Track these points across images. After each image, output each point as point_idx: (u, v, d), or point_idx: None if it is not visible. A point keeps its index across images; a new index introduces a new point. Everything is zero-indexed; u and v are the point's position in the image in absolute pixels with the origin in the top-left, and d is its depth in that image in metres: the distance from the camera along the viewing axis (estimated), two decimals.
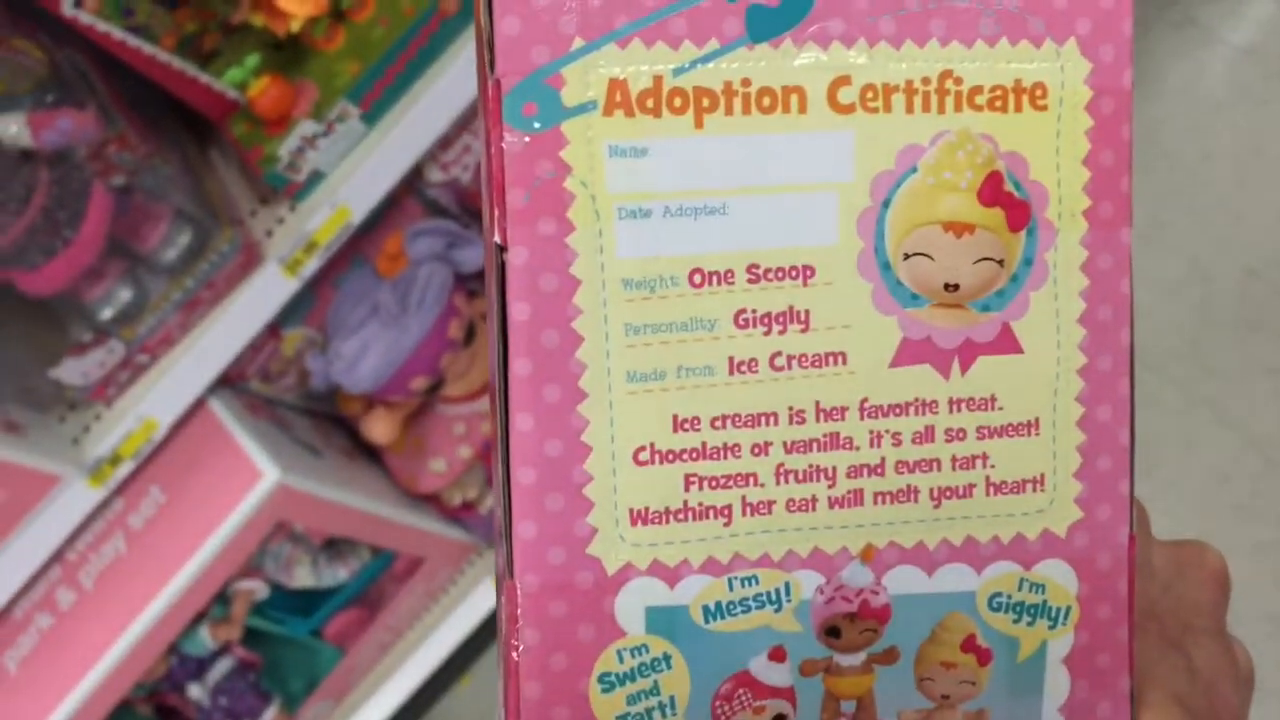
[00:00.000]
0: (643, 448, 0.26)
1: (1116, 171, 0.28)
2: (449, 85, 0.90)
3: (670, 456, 0.26)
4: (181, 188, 0.89)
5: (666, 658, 0.27)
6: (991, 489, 0.27)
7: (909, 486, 0.27)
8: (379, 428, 1.05)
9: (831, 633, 0.27)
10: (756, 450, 0.26)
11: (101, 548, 0.97)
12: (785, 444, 0.27)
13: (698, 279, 0.26)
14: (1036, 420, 0.27)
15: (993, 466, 0.27)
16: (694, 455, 0.26)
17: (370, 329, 0.98)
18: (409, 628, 1.26)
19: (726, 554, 0.27)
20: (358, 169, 0.91)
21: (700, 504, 0.26)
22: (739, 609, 0.27)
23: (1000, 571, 0.28)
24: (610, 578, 0.26)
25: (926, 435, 0.27)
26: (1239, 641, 0.31)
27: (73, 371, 0.89)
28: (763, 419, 0.26)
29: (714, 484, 0.26)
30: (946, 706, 0.28)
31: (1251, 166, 1.34)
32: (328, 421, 1.15)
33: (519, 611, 0.26)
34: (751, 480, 0.26)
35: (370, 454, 1.15)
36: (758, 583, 0.27)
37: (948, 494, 0.27)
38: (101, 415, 0.94)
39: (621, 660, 0.27)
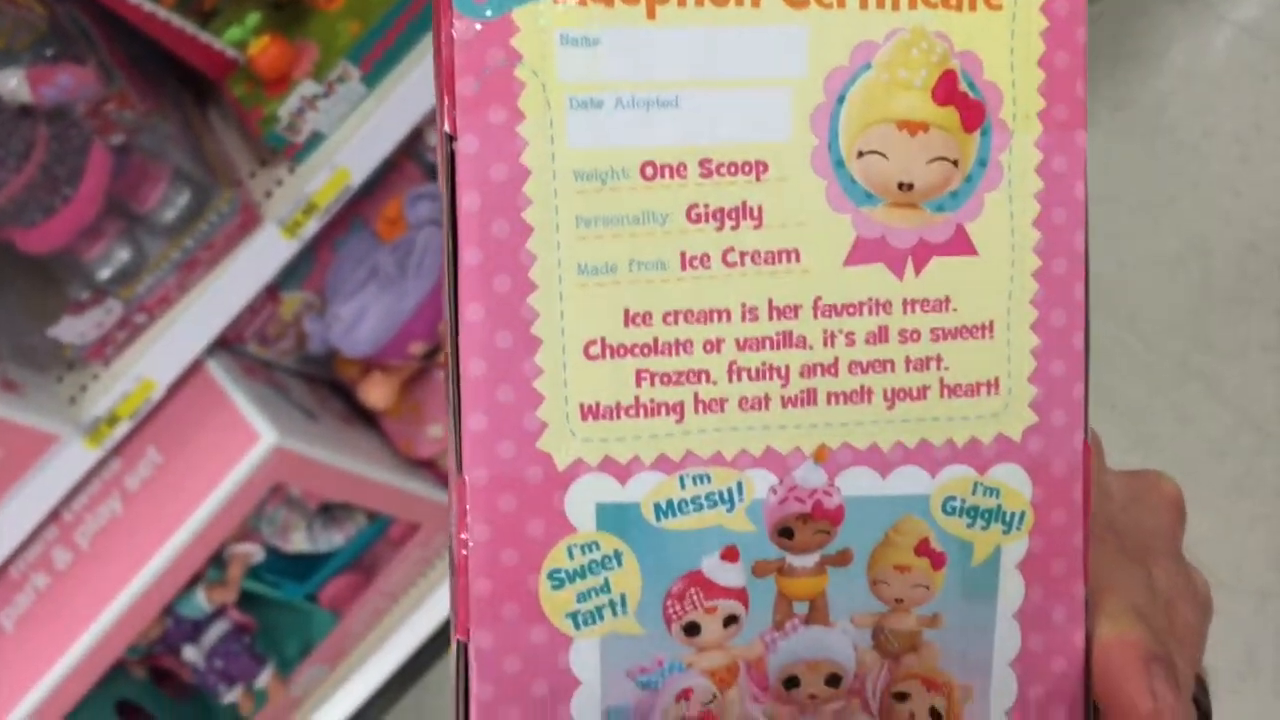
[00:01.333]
0: (593, 342, 0.26)
1: (1071, 74, 0.27)
2: None
3: (621, 351, 0.26)
4: (181, 147, 0.88)
5: (617, 555, 0.27)
6: (945, 391, 0.27)
7: (862, 387, 0.27)
8: (376, 392, 1.05)
9: (784, 533, 0.27)
10: (709, 347, 0.26)
11: (98, 508, 0.97)
12: (738, 341, 0.26)
13: (649, 172, 0.26)
14: (990, 323, 0.27)
15: (946, 369, 0.27)
16: (645, 351, 0.26)
17: (369, 292, 0.97)
18: (404, 593, 1.26)
19: (678, 451, 0.27)
20: (358, 131, 0.91)
21: (652, 400, 0.26)
22: (691, 507, 0.27)
23: (954, 475, 0.27)
24: (560, 473, 0.26)
25: (880, 336, 0.27)
26: (1197, 569, 0.31)
27: (70, 330, 0.89)
28: (715, 315, 0.26)
29: (666, 380, 0.26)
30: (900, 610, 0.28)
31: (1253, 143, 1.33)
32: (325, 386, 1.15)
33: (468, 506, 0.26)
34: (704, 377, 0.26)
35: (367, 419, 1.15)
36: (710, 481, 0.27)
37: (901, 395, 0.27)
38: (99, 375, 0.94)
39: (571, 557, 0.27)
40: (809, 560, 0.27)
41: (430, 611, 1.26)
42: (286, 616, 1.18)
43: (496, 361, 0.26)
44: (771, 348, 0.27)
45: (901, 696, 0.28)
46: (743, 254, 0.26)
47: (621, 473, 0.26)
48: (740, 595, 0.27)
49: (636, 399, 0.26)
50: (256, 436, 0.95)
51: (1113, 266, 1.31)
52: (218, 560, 1.05)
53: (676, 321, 0.26)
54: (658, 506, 0.27)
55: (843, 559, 0.27)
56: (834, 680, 0.28)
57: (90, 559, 0.97)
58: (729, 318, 0.26)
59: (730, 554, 0.27)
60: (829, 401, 0.27)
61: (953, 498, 0.27)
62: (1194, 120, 1.36)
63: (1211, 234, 1.31)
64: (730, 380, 0.27)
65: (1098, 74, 1.39)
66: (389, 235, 1.01)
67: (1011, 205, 0.27)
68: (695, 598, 0.27)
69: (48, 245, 0.84)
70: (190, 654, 1.10)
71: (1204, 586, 0.31)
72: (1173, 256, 1.31)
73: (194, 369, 0.96)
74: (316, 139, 0.91)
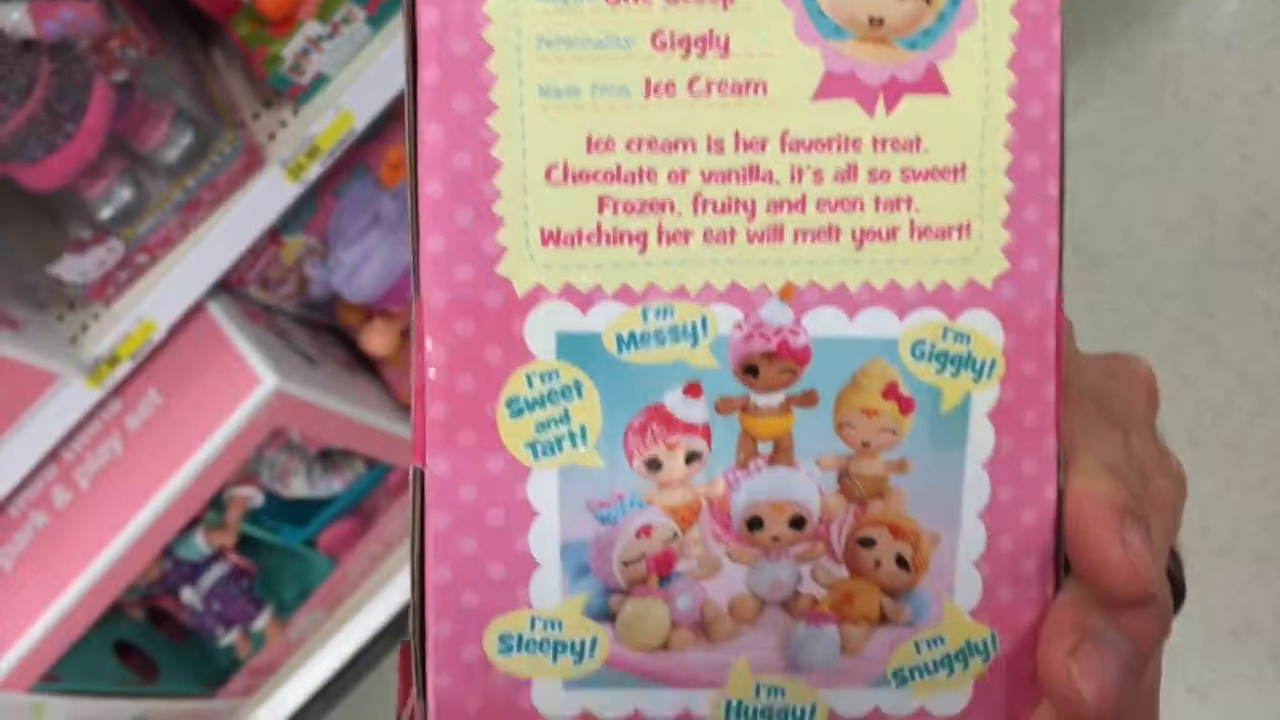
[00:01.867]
0: (555, 165, 0.26)
1: None
2: None
3: (584, 177, 0.26)
4: (184, 87, 0.88)
5: (577, 385, 0.26)
6: (916, 233, 0.27)
7: (830, 226, 0.26)
8: (377, 339, 1.05)
9: (749, 371, 0.27)
10: (673, 177, 0.26)
11: (98, 448, 0.97)
12: (703, 173, 0.26)
13: None
14: (963, 165, 0.27)
15: (917, 210, 0.27)
16: (608, 177, 0.26)
17: (371, 238, 0.97)
18: (401, 541, 1.26)
19: (641, 282, 0.26)
20: (362, 73, 0.90)
21: (614, 228, 0.26)
22: (653, 340, 0.26)
23: (924, 319, 0.27)
24: (520, 299, 0.26)
25: (849, 174, 0.26)
26: (1173, 452, 0.31)
27: (72, 269, 0.88)
28: (680, 145, 0.26)
29: (629, 208, 0.26)
30: (867, 454, 0.27)
31: (1261, 106, 1.33)
32: (326, 332, 1.14)
33: (425, 330, 0.26)
34: (668, 207, 0.26)
35: (368, 366, 1.15)
36: (673, 315, 0.26)
37: (870, 235, 0.27)
38: (100, 315, 0.94)
39: (531, 385, 0.26)
40: (774, 400, 0.27)
41: None
42: (285, 561, 1.19)
43: (455, 183, 0.25)
44: (738, 181, 0.26)
45: (867, 542, 0.28)
46: (709, 83, 0.26)
47: (583, 301, 0.26)
48: (703, 432, 0.27)
49: (599, 226, 0.26)
50: (257, 380, 0.94)
51: (1118, 229, 1.31)
52: (217, 503, 1.06)
53: (640, 149, 0.26)
54: (619, 338, 0.26)
55: (808, 400, 0.27)
56: (798, 523, 0.27)
57: (90, 499, 0.97)
58: (694, 148, 0.26)
59: (693, 389, 0.27)
60: (796, 239, 0.26)
61: (922, 342, 0.27)
62: (1202, 82, 1.35)
63: (1217, 197, 1.30)
64: (695, 212, 0.26)
65: (1108, 34, 1.38)
66: (392, 181, 1.00)
67: (985, 45, 0.26)
68: (657, 432, 0.26)
69: (49, 182, 0.84)
70: (188, 596, 1.11)
71: (1179, 466, 0.30)
72: (1178, 219, 1.30)
73: (195, 311, 0.96)
74: (321, 80, 0.91)
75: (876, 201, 0.26)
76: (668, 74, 0.26)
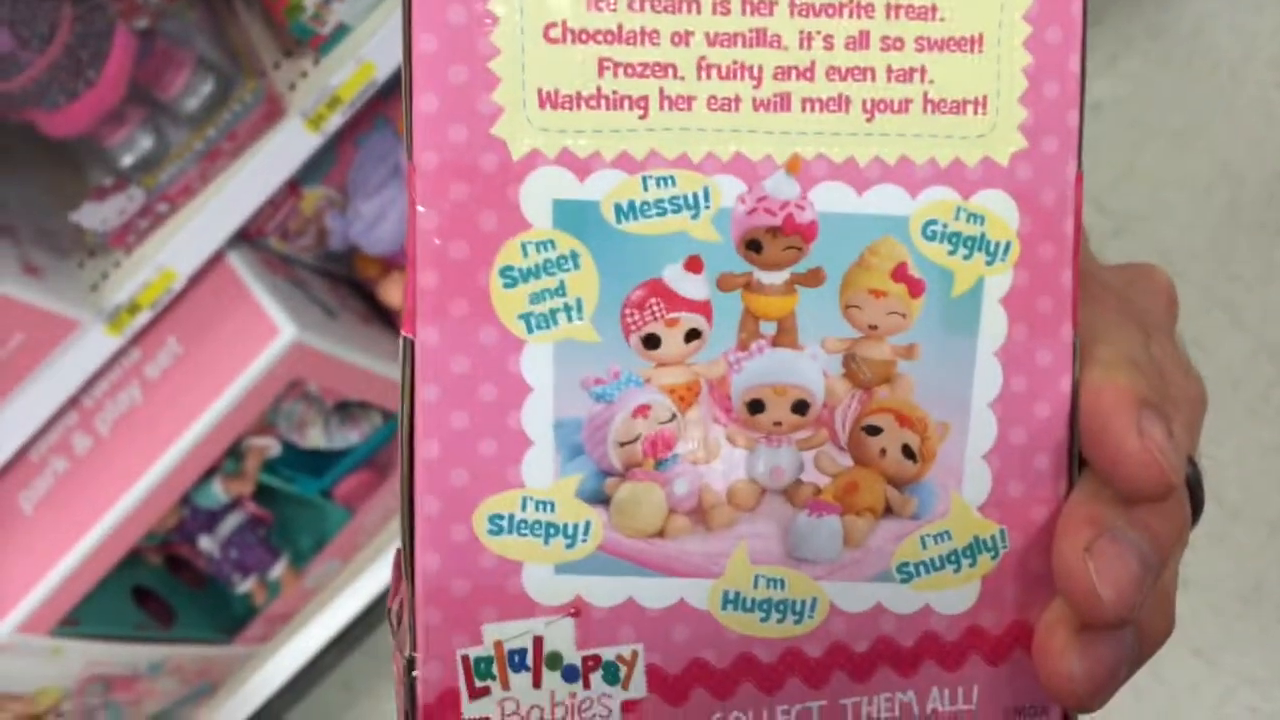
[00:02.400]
0: (554, 24, 0.25)
1: None
2: None
3: (583, 36, 0.25)
4: (205, 35, 0.87)
5: (574, 255, 0.25)
6: (929, 106, 0.25)
7: (840, 95, 0.25)
8: (396, 291, 1.05)
9: (752, 246, 0.25)
10: (677, 39, 0.25)
11: (118, 395, 0.98)
12: (708, 35, 0.25)
13: None
14: (980, 36, 0.25)
15: (931, 82, 0.25)
16: (609, 38, 0.25)
17: (391, 190, 0.97)
18: None
19: (642, 149, 0.25)
20: (384, 24, 0.89)
21: (614, 92, 0.25)
22: (654, 210, 0.25)
23: (936, 197, 0.26)
24: (516, 163, 0.25)
25: (860, 41, 0.25)
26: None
27: (92, 216, 0.88)
28: (684, 5, 0.25)
29: (630, 71, 0.25)
30: (874, 337, 0.26)
31: None
32: (345, 284, 1.15)
33: (417, 194, 0.25)
34: (671, 71, 0.25)
35: (386, 319, 1.15)
36: (674, 184, 0.25)
37: (881, 107, 0.25)
38: (120, 263, 0.94)
39: (526, 254, 0.25)
40: (778, 278, 0.26)
41: None
42: (301, 511, 1.20)
43: (448, 38, 0.24)
44: (744, 45, 0.25)
45: (873, 430, 0.27)
46: None
47: (580, 168, 0.25)
48: (704, 309, 0.26)
49: (598, 89, 0.25)
50: (276, 330, 0.95)
51: (1143, 190, 1.30)
52: (235, 452, 1.06)
53: (642, 9, 0.25)
54: (618, 207, 0.25)
55: (814, 278, 0.26)
56: (801, 407, 0.26)
57: (109, 445, 0.98)
58: (698, 8, 0.25)
59: (694, 264, 0.25)
60: (804, 108, 0.25)
61: (934, 221, 0.26)
62: (1231, 44, 1.33)
63: (1243, 161, 1.29)
64: (699, 77, 0.25)
65: None
66: None
67: None
68: (656, 308, 0.25)
69: (70, 129, 0.84)
70: (206, 543, 1.12)
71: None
72: (1203, 183, 1.29)
73: (215, 261, 0.96)
74: (342, 30, 0.90)
75: (889, 71, 0.25)
76: None
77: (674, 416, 0.26)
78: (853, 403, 0.26)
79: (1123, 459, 0.25)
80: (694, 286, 0.26)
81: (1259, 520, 1.20)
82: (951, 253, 0.26)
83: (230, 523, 1.12)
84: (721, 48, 0.25)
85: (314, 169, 1.00)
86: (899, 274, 0.26)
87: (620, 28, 0.25)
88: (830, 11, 0.25)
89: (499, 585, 0.26)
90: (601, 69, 0.25)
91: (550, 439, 0.26)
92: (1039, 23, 0.26)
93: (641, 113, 0.25)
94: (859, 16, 0.25)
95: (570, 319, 0.25)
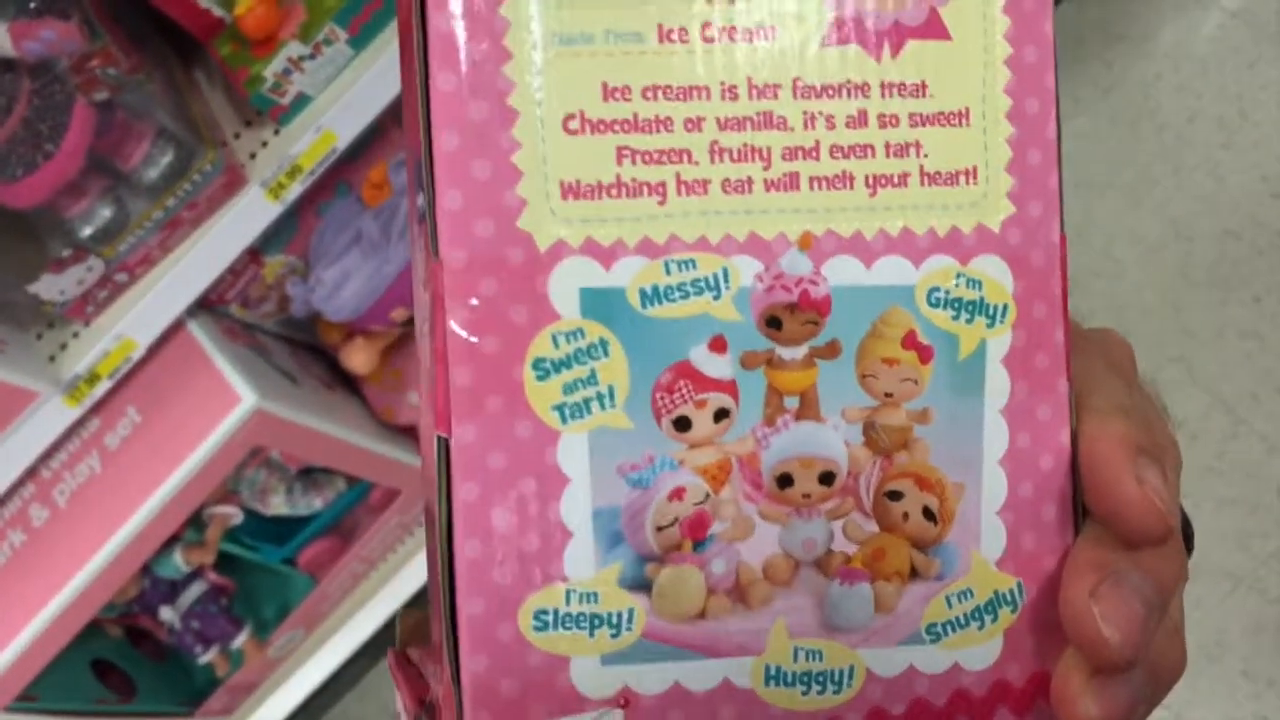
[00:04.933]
0: (572, 115, 0.25)
1: None
2: None
3: (601, 126, 0.25)
4: (165, 106, 0.88)
5: (604, 343, 0.25)
6: (925, 179, 0.27)
7: (844, 172, 0.26)
8: (358, 357, 1.05)
9: (772, 323, 0.26)
10: (690, 126, 0.26)
11: (76, 466, 0.97)
12: (719, 120, 0.26)
13: None
14: (966, 110, 0.27)
15: (926, 156, 0.27)
16: (625, 127, 0.25)
17: (352, 257, 0.97)
18: (382, 559, 1.26)
19: (663, 234, 0.26)
20: (344, 94, 0.90)
21: (634, 179, 0.25)
22: (677, 294, 0.26)
23: (937, 265, 0.27)
24: (542, 255, 0.25)
25: (860, 120, 0.26)
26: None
27: (51, 287, 0.88)
28: (695, 92, 0.26)
29: (647, 159, 0.25)
30: (890, 405, 0.27)
31: (1237, 129, 1.34)
32: (306, 350, 1.15)
33: (446, 291, 0.25)
34: (685, 157, 0.26)
35: (349, 384, 1.15)
36: (695, 267, 0.26)
37: (883, 182, 0.26)
38: (79, 333, 0.94)
39: (557, 345, 0.25)
40: (798, 352, 0.26)
41: (408, 578, 1.26)
42: (264, 579, 1.19)
43: (471, 134, 0.25)
44: (753, 128, 0.26)
45: (895, 495, 0.27)
46: (720, 29, 0.26)
47: (605, 256, 0.25)
48: (730, 388, 0.26)
49: (618, 177, 0.25)
50: (237, 398, 0.94)
51: (1094, 248, 1.32)
52: (196, 521, 1.05)
53: (656, 97, 0.25)
54: (643, 292, 0.26)
55: (831, 351, 0.27)
56: (827, 478, 0.27)
57: (68, 517, 0.97)
58: (709, 95, 0.26)
59: (718, 344, 0.26)
60: (811, 186, 0.26)
61: (937, 289, 0.27)
62: (1179, 104, 1.36)
63: (1193, 219, 1.32)
64: (712, 161, 0.26)
65: (1086, 55, 1.39)
66: (373, 200, 1.00)
67: None
68: (685, 390, 0.26)
69: (29, 201, 0.84)
70: (167, 614, 1.11)
71: (1170, 422, 0.30)
72: (1154, 240, 1.32)
73: (175, 329, 0.96)
74: (302, 100, 0.91)
75: (887, 147, 0.26)
76: (679, 19, 0.25)
77: (708, 496, 0.26)
78: (874, 470, 0.27)
79: (1123, 505, 0.26)
80: (720, 366, 0.26)
81: (1220, 574, 1.21)
82: (955, 318, 0.27)
83: (191, 593, 1.11)
84: (732, 131, 0.26)
85: (276, 237, 1.00)
86: (909, 342, 0.27)
87: (636, 116, 0.25)
88: (830, 93, 0.26)
89: (547, 682, 0.26)
90: (620, 157, 0.25)
91: (589, 529, 0.26)
92: (1017, 95, 0.27)
93: (660, 198, 0.26)
94: (856, 97, 0.26)
95: (603, 407, 0.26)
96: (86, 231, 0.89)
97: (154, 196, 0.89)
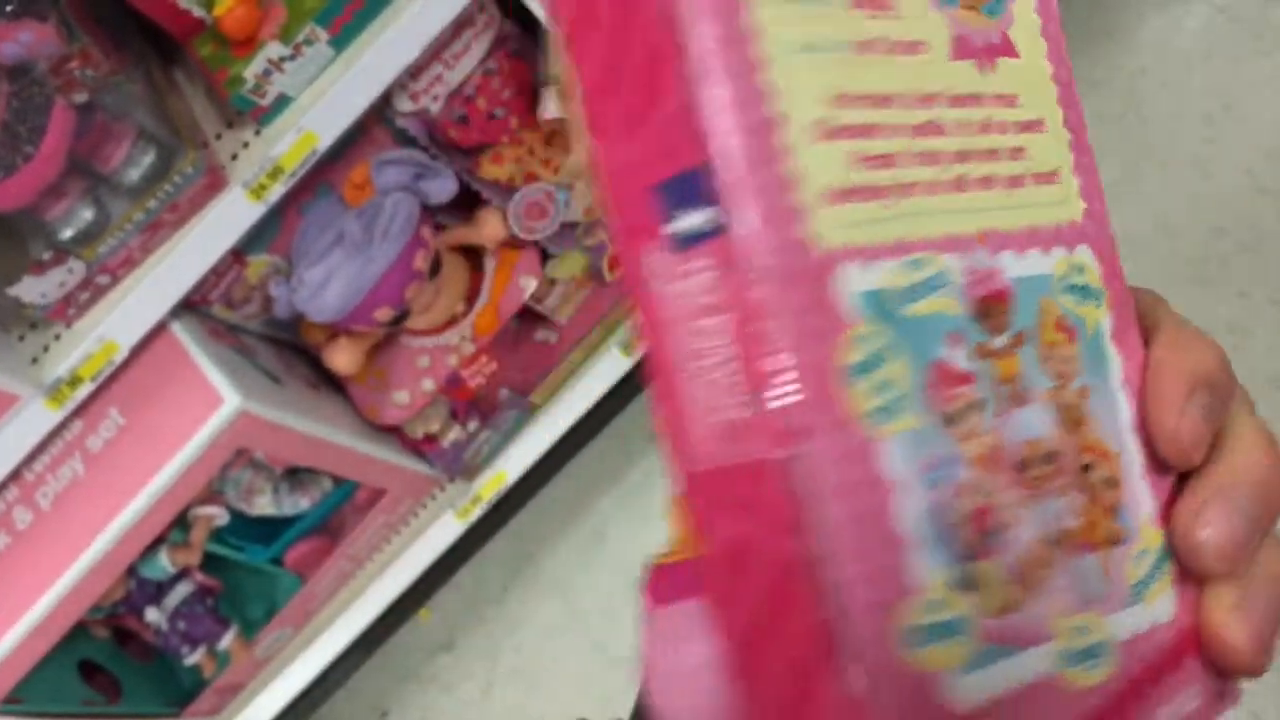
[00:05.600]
0: (819, 122, 0.26)
1: None
2: (420, 12, 0.90)
3: (840, 133, 0.26)
4: (145, 107, 0.88)
5: (888, 345, 0.26)
6: (1034, 179, 0.29)
7: (991, 175, 0.29)
8: (342, 357, 1.05)
9: (981, 315, 0.28)
10: (896, 131, 0.27)
11: (59, 469, 0.97)
12: (913, 127, 0.27)
13: None
14: (1043, 119, 0.30)
15: (1030, 159, 0.29)
16: (854, 133, 0.26)
17: (335, 257, 0.97)
18: (369, 559, 1.26)
19: (897, 236, 0.26)
20: (325, 94, 0.90)
21: (867, 183, 0.26)
22: (923, 291, 0.27)
23: (1060, 256, 0.30)
24: (821, 261, 0.25)
25: (988, 127, 0.29)
26: None
27: (32, 290, 0.88)
28: (890, 100, 0.27)
29: (872, 163, 0.27)
30: (1064, 385, 0.29)
31: (1222, 124, 1.34)
32: (290, 350, 1.14)
33: (757, 315, 0.25)
34: (899, 161, 0.27)
35: (333, 384, 1.14)
36: (927, 266, 0.27)
37: (1015, 182, 0.29)
38: (61, 336, 0.93)
39: (856, 351, 0.25)
40: (1003, 341, 0.28)
41: (394, 578, 1.26)
42: (251, 579, 1.18)
43: (746, 145, 0.25)
44: (932, 134, 0.28)
45: (1087, 468, 0.29)
46: (891, 43, 0.27)
47: (866, 259, 0.26)
48: (972, 380, 0.27)
49: (857, 182, 0.26)
50: (220, 400, 0.94)
51: None
52: (181, 522, 1.05)
53: (868, 105, 0.27)
54: (899, 292, 0.26)
55: (1020, 339, 0.28)
56: (1049, 458, 0.28)
57: (52, 519, 0.97)
58: (900, 102, 0.27)
59: (957, 339, 0.27)
60: (979, 188, 0.28)
61: (1065, 277, 0.30)
62: (1164, 100, 1.36)
63: (1178, 215, 1.32)
64: (916, 164, 0.27)
65: (1071, 51, 1.39)
66: (356, 200, 1.00)
67: (1028, 15, 0.30)
68: (947, 385, 0.26)
69: (9, 204, 0.83)
70: (153, 615, 1.11)
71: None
72: (1139, 236, 1.31)
73: (158, 331, 0.96)
74: (283, 101, 0.91)
75: (1009, 151, 0.29)
76: (864, 32, 0.27)
77: (985, 489, 0.27)
78: (1071, 446, 0.29)
79: (1158, 435, 0.30)
80: (963, 360, 0.27)
81: None
82: (1079, 302, 0.30)
83: (178, 593, 1.11)
84: (922, 138, 0.28)
85: (258, 237, 1.00)
86: (1059, 326, 0.29)
87: (862, 123, 0.27)
88: (964, 102, 0.28)
89: (925, 702, 0.25)
90: (855, 162, 0.26)
91: (918, 536, 0.26)
92: (1065, 107, 0.31)
93: (888, 201, 0.27)
94: (980, 105, 0.29)
95: (901, 408, 0.26)
96: (67, 233, 0.89)
97: (135, 198, 0.89)
